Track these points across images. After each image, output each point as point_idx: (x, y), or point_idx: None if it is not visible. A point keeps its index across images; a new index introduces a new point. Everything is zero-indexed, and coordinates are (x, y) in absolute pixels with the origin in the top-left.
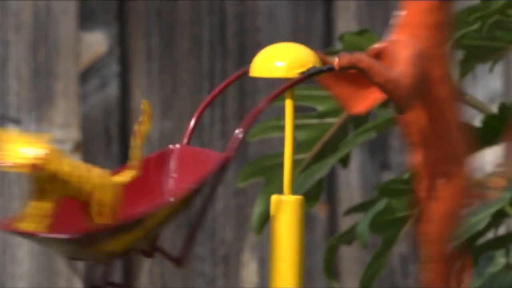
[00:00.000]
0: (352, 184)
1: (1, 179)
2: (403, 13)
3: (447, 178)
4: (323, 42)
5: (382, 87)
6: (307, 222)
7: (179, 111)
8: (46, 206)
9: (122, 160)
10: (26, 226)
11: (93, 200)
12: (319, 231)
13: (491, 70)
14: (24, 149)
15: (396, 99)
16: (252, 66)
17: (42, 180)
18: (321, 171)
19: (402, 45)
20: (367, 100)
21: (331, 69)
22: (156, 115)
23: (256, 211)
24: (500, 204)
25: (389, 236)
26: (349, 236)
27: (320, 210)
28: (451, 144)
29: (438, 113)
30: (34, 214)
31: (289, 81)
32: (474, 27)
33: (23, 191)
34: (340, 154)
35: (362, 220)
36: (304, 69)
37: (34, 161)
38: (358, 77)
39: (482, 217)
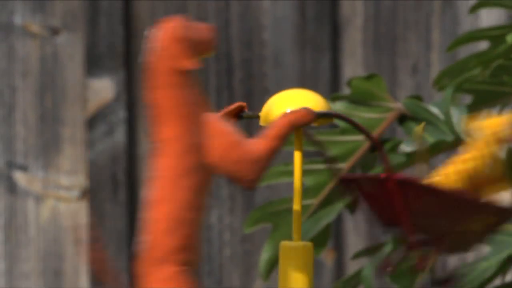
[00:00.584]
0: (359, 230)
1: (8, 224)
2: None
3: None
4: (330, 88)
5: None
6: (314, 268)
7: None
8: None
9: (129, 207)
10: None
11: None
12: (326, 278)
13: (499, 115)
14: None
15: None
16: (262, 115)
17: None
18: (328, 217)
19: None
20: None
21: (338, 116)
22: None
23: (264, 257)
24: (510, 249)
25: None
26: (355, 281)
27: (327, 257)
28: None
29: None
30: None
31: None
32: (476, 71)
33: (29, 237)
34: (348, 199)
35: (368, 265)
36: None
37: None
38: None
39: (492, 263)
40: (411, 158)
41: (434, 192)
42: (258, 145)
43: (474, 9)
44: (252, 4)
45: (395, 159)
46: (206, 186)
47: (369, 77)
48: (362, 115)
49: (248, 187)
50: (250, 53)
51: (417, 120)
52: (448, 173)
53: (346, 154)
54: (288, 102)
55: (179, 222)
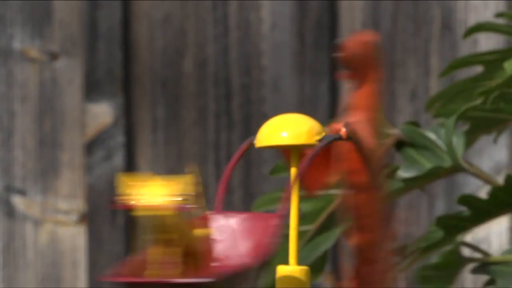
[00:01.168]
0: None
1: (6, 248)
2: (354, 97)
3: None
4: (329, 112)
5: (365, 157)
6: None
7: None
8: (175, 252)
9: (127, 231)
10: (154, 274)
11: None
12: None
13: (495, 141)
14: (165, 192)
15: (364, 174)
16: (257, 138)
17: (172, 227)
18: (326, 243)
19: (361, 125)
20: (319, 182)
21: (339, 138)
22: None
23: (262, 282)
24: None
25: None
26: None
27: (326, 281)
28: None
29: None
30: (162, 261)
31: (312, 148)
32: (478, 101)
33: (28, 261)
34: (345, 225)
35: None
36: (314, 138)
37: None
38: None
39: None
40: (408, 184)
41: None
42: None
43: (468, 34)
44: (251, 30)
45: (393, 185)
46: None
47: None
48: None
49: None
50: (249, 78)
51: (414, 146)
52: None
53: (322, 207)
54: (283, 126)
55: None
